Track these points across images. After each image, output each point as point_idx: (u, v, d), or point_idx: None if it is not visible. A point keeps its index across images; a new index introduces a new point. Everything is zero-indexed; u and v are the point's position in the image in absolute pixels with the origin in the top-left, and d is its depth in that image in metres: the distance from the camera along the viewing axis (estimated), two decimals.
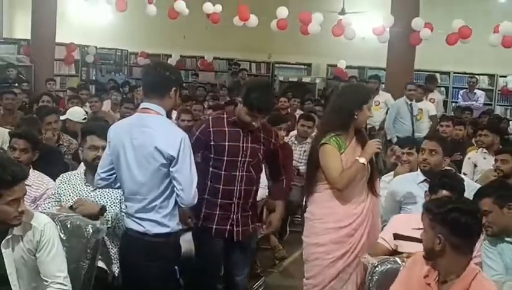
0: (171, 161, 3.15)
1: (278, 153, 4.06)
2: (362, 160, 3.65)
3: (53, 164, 4.73)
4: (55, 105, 7.85)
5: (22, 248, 2.90)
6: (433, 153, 4.34)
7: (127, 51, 14.93)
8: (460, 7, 10.99)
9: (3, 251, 2.87)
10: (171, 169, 3.15)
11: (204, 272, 3.90)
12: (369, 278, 3.05)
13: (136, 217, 3.24)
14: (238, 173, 3.77)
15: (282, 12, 10.49)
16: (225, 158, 3.73)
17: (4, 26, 14.93)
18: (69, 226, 3.21)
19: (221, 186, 3.77)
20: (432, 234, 2.67)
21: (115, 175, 3.33)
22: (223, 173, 3.75)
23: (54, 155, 4.99)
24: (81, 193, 3.74)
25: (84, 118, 6.55)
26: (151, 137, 3.16)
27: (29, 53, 11.68)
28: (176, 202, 3.23)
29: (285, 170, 4.42)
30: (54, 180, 4.05)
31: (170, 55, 14.39)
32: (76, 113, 6.53)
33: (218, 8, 10.77)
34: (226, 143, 3.73)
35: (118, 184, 3.36)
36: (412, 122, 8.88)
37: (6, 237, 2.88)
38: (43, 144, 4.80)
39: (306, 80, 13.76)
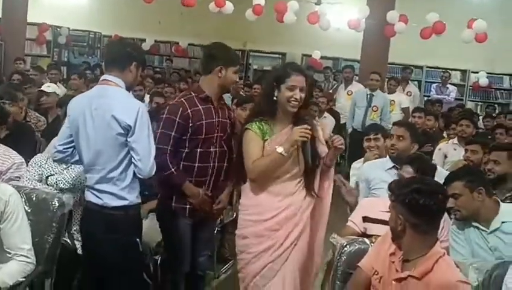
0: (128, 130, 3.17)
1: (234, 128, 3.93)
2: (280, 149, 3.23)
3: (24, 140, 4.66)
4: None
5: None
6: (401, 138, 4.40)
7: (101, 33, 14.73)
8: (436, 1, 11.04)
9: None
10: (128, 139, 3.17)
11: (176, 257, 3.83)
12: (338, 257, 3.06)
13: (95, 189, 3.25)
14: (212, 150, 3.72)
15: (259, 0, 10.43)
16: (202, 136, 3.66)
17: None
18: (34, 199, 3.16)
19: (196, 164, 3.68)
20: (394, 214, 2.73)
21: (72, 149, 3.35)
22: (198, 150, 3.67)
23: (24, 132, 4.91)
24: (56, 169, 3.75)
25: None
26: (109, 106, 3.19)
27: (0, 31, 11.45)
28: (135, 175, 3.22)
29: None
30: (25, 157, 4.01)
31: (144, 40, 14.25)
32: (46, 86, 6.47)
33: None
34: (203, 121, 3.66)
35: (76, 158, 3.37)
36: (365, 112, 8.62)
37: None
38: (14, 121, 4.73)
39: None
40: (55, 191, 3.45)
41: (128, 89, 3.32)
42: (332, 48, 13.20)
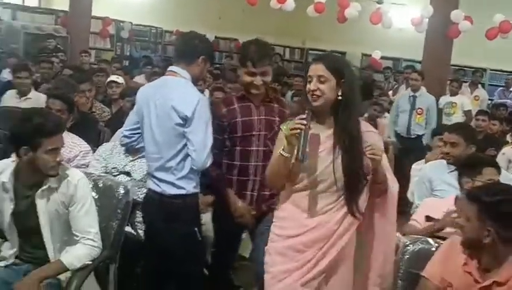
0: (185, 120, 3.19)
1: None
2: (280, 150, 2.73)
3: (88, 130, 4.77)
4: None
5: (56, 200, 2.93)
6: (455, 145, 4.29)
7: (162, 28, 14.94)
8: (501, 1, 10.74)
9: (37, 201, 2.91)
10: (185, 129, 3.19)
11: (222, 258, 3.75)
12: (400, 256, 3.01)
13: (155, 177, 3.30)
14: (253, 148, 3.50)
15: None
16: (239, 134, 3.48)
17: None
18: (100, 185, 3.23)
19: (238, 162, 3.50)
20: (478, 226, 2.50)
21: (137, 135, 3.48)
22: (237, 148, 3.49)
23: (88, 122, 5.05)
24: (120, 163, 3.84)
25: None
26: (169, 96, 3.25)
27: (66, 24, 11.76)
28: None
29: None
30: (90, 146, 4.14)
31: (205, 36, 14.37)
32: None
33: None
34: (239, 119, 3.49)
35: (142, 144, 3.45)
36: (410, 116, 7.95)
37: (42, 188, 2.91)
38: (78, 111, 4.87)
39: None
40: (120, 179, 3.52)
41: (194, 82, 3.35)
42: (392, 48, 13.03)
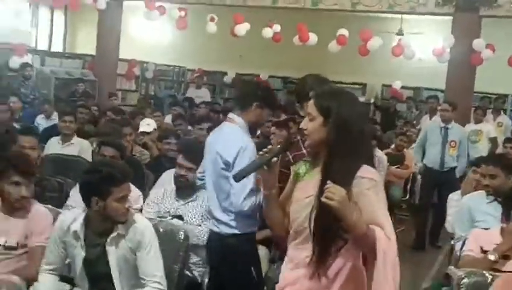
0: (228, 165, 3.35)
1: None
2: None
3: (134, 174, 4.92)
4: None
5: (125, 246, 3.08)
6: (494, 177, 4.38)
7: (185, 67, 15.22)
8: None
9: (108, 248, 3.06)
10: (228, 173, 3.33)
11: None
12: (456, 289, 3.10)
13: (214, 218, 3.47)
14: None
15: (343, 31, 10.58)
16: None
17: (67, 42, 15.49)
18: (161, 230, 3.36)
19: None
20: None
21: None
22: None
23: (133, 166, 5.18)
24: (171, 206, 3.98)
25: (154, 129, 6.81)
26: (216, 141, 3.46)
27: (93, 68, 12.06)
28: None
29: None
30: None
31: (226, 73, 14.65)
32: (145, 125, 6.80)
33: (277, 28, 10.95)
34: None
35: None
36: (443, 148, 7.58)
37: (112, 235, 3.06)
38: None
39: (361, 99, 13.79)
40: (179, 223, 3.66)
41: (252, 128, 3.50)
42: (413, 78, 13.16)
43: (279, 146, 2.52)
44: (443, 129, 7.65)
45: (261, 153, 2.46)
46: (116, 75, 12.20)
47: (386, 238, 2.29)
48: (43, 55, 12.56)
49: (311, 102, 2.46)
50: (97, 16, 11.73)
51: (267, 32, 10.94)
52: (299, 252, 2.44)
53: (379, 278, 2.29)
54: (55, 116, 8.68)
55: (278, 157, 2.47)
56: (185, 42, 14.22)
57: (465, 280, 3.11)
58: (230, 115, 3.51)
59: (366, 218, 2.28)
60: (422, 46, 11.11)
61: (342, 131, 2.37)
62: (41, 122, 8.60)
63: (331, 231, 2.31)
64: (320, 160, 2.45)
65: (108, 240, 3.05)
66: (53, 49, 14.46)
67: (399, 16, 11.80)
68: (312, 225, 2.35)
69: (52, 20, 15.08)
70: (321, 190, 2.26)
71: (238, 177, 2.48)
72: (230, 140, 3.41)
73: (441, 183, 7.51)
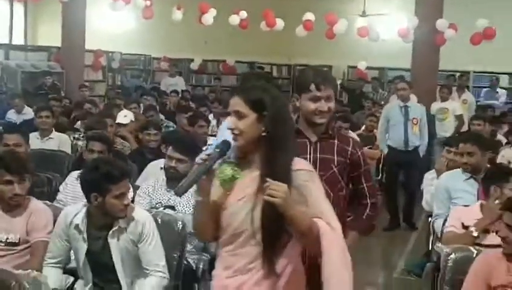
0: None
1: (360, 167, 3.12)
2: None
3: None
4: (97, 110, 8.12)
5: (126, 238, 3.17)
6: (472, 154, 4.54)
7: (150, 56, 15.17)
8: (483, 7, 11.12)
9: (110, 240, 3.15)
10: None
11: None
12: (444, 264, 3.27)
13: None
14: None
15: (308, 16, 10.71)
16: None
17: (29, 35, 15.26)
18: (159, 221, 3.44)
19: None
20: None
21: None
22: None
23: (120, 159, 5.22)
24: (163, 197, 4.04)
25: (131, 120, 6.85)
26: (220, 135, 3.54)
27: (60, 60, 11.94)
28: None
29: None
30: None
31: (192, 60, 14.66)
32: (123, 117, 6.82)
33: (244, 14, 11.02)
34: None
35: None
36: (405, 127, 7.47)
37: (113, 229, 3.15)
38: None
39: None
40: (176, 214, 3.74)
41: None
42: (378, 59, 13.37)
43: (217, 150, 2.33)
44: (403, 108, 7.57)
45: (199, 160, 2.30)
46: (84, 66, 12.10)
47: (330, 230, 2.29)
48: (7, 48, 12.37)
49: (238, 100, 2.35)
50: (58, 6, 11.61)
51: (234, 20, 11.02)
52: (237, 258, 2.35)
53: (330, 270, 2.28)
54: (25, 110, 8.65)
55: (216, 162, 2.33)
56: (150, 30, 14.15)
57: (452, 256, 3.27)
58: None
59: (310, 210, 2.28)
60: (386, 27, 11.30)
61: (279, 124, 2.34)
62: (12, 116, 8.54)
63: (278, 227, 2.27)
64: (248, 159, 2.36)
65: (109, 233, 3.14)
66: (14, 42, 14.23)
67: None
68: (255, 224, 2.28)
69: (12, 13, 14.83)
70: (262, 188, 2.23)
71: (181, 191, 2.29)
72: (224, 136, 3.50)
73: (405, 162, 7.52)
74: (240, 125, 2.33)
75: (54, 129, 6.31)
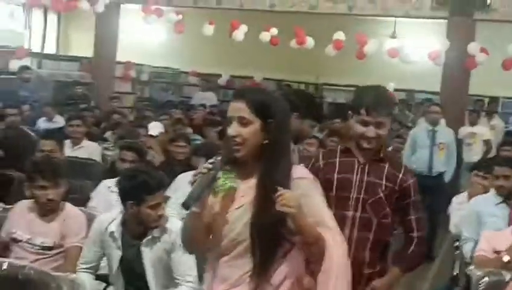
0: None
1: (409, 197, 2.97)
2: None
3: None
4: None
5: (160, 248, 3.19)
6: (508, 177, 4.56)
7: (179, 70, 15.31)
8: None
9: (143, 249, 3.18)
10: None
11: None
12: (475, 288, 3.25)
13: None
14: (349, 213, 2.92)
15: (339, 35, 10.75)
16: (333, 193, 2.92)
17: (61, 44, 15.52)
18: None
19: None
20: None
21: None
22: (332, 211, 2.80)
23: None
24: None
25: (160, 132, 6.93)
26: None
27: (90, 70, 12.12)
28: None
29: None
30: None
31: (220, 75, 14.76)
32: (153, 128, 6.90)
33: (275, 31, 11.09)
34: (335, 175, 2.96)
35: None
36: (431, 151, 7.33)
37: (147, 238, 3.18)
38: None
39: None
40: None
41: (295, 138, 3.38)
42: (405, 81, 13.34)
43: (219, 159, 2.21)
44: (431, 132, 7.43)
45: (203, 170, 2.17)
46: (114, 77, 12.26)
47: (334, 243, 2.22)
48: (39, 57, 12.59)
49: (243, 106, 2.20)
50: (90, 17, 11.80)
51: (265, 36, 11.08)
52: (233, 270, 2.23)
53: (326, 284, 2.21)
54: (56, 118, 8.77)
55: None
56: (179, 44, 14.30)
57: (486, 279, 3.26)
58: None
59: (314, 220, 2.21)
60: (416, 49, 11.29)
61: (282, 133, 2.26)
62: (43, 125, 8.66)
63: (277, 236, 2.18)
64: (245, 167, 2.25)
65: (143, 241, 3.17)
66: (46, 51, 14.47)
67: (393, 19, 11.99)
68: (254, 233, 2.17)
69: (45, 22, 15.10)
70: (263, 197, 2.15)
71: (190, 204, 2.15)
72: None
73: (429, 188, 6.96)
74: (243, 133, 2.19)
75: (85, 138, 6.39)
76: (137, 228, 3.18)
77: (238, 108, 2.20)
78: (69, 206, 3.55)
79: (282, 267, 2.22)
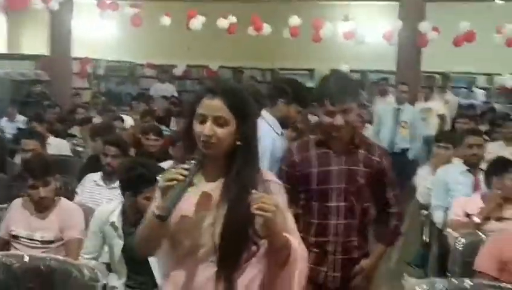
0: None
1: (385, 176, 3.08)
2: (153, 206, 2.09)
3: None
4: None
5: None
6: (480, 146, 4.91)
7: (134, 62, 15.27)
8: (464, 9, 11.39)
9: None
10: None
11: None
12: (454, 248, 3.51)
13: None
14: (333, 204, 2.99)
15: (294, 20, 10.94)
16: (314, 187, 2.99)
17: (11, 44, 15.27)
18: None
19: (316, 221, 3.02)
20: None
21: None
22: (314, 203, 3.02)
23: None
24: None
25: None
26: None
27: (47, 68, 12.00)
28: None
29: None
30: None
31: (176, 66, 14.78)
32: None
33: (233, 19, 11.21)
34: (314, 169, 2.99)
35: None
36: (393, 128, 7.60)
37: None
38: None
39: (310, 85, 14.16)
40: None
41: (283, 125, 3.65)
42: (358, 61, 13.62)
43: (193, 162, 2.04)
44: (396, 110, 7.71)
45: (179, 177, 1.99)
46: (71, 73, 12.18)
47: (299, 248, 2.11)
48: None
49: (221, 104, 2.06)
50: (41, 15, 11.66)
51: (223, 23, 11.16)
52: (198, 273, 2.08)
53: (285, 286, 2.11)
54: (18, 118, 8.73)
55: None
56: (134, 37, 14.24)
57: (463, 240, 3.52)
58: (262, 111, 3.69)
59: (281, 224, 2.06)
60: (370, 31, 11.57)
61: (255, 133, 2.14)
62: (5, 125, 8.61)
63: (245, 239, 2.05)
64: (211, 168, 2.11)
65: None
66: None
67: (346, 2, 12.26)
68: (216, 239, 2.03)
69: None
70: (234, 199, 2.03)
71: (167, 214, 1.98)
72: None
73: (392, 165, 7.60)
74: (219, 133, 2.05)
75: (50, 135, 6.39)
76: (136, 216, 3.27)
77: (215, 107, 2.06)
78: (64, 201, 3.66)
79: (247, 271, 2.10)
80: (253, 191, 2.00)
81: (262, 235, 2.03)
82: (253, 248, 2.08)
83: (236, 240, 2.03)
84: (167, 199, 1.98)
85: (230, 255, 2.04)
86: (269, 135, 3.57)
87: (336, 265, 3.02)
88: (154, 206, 2.05)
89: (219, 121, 2.05)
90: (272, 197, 2.01)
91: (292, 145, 3.21)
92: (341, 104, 2.85)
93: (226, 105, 2.06)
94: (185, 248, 2.08)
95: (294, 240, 2.10)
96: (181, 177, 1.98)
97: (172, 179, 1.98)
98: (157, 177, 2.11)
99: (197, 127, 2.06)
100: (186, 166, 2.02)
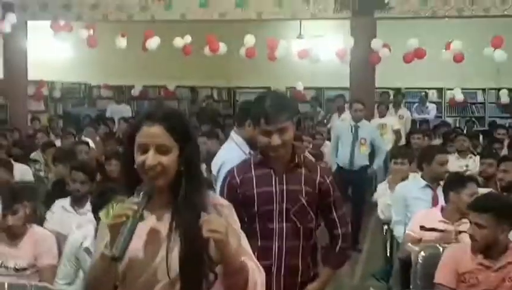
0: (215, 179, 3.67)
1: (330, 196, 3.03)
2: (102, 246, 1.97)
3: None
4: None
5: None
6: (447, 163, 5.17)
7: (90, 84, 15.20)
8: (413, 26, 11.74)
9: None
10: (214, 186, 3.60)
11: None
12: (415, 261, 3.69)
13: None
14: (275, 225, 2.93)
15: (250, 40, 11.10)
16: (255, 209, 2.93)
17: None
18: None
19: (259, 244, 2.90)
20: (494, 228, 3.29)
21: None
22: (256, 226, 2.94)
23: None
24: None
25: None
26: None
27: (2, 92, 11.85)
28: None
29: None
30: None
31: (133, 86, 14.77)
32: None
33: (188, 38, 11.31)
34: (254, 190, 2.94)
35: None
36: (352, 147, 7.69)
37: None
38: None
39: None
40: None
41: (252, 146, 3.53)
42: (313, 79, 13.87)
43: (142, 194, 1.96)
44: (353, 128, 7.77)
45: (128, 212, 1.88)
46: (27, 96, 12.06)
47: (257, 269, 2.04)
48: None
49: (161, 131, 1.98)
50: None
51: (178, 42, 11.24)
52: None
53: None
54: None
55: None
56: (89, 58, 14.20)
57: (422, 253, 3.70)
58: (231, 132, 3.84)
59: (236, 248, 1.96)
60: (323, 49, 11.82)
61: (198, 156, 2.07)
62: None
63: (203, 267, 1.97)
64: (156, 198, 2.00)
65: None
66: None
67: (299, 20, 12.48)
68: (172, 273, 1.95)
69: None
70: (187, 227, 1.95)
71: (121, 254, 1.86)
72: (217, 156, 3.77)
73: (351, 182, 7.63)
74: (163, 161, 1.96)
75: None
76: None
77: (156, 134, 1.97)
78: (35, 228, 3.69)
79: None
80: (203, 213, 1.95)
81: (216, 260, 1.96)
82: (211, 276, 1.99)
83: (195, 267, 1.95)
84: (120, 237, 1.86)
85: (191, 284, 1.95)
86: (237, 155, 3.57)
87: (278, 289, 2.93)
88: (103, 245, 1.92)
89: (162, 149, 1.97)
90: (220, 219, 1.94)
91: (233, 167, 3.12)
92: (276, 123, 2.83)
93: (167, 130, 1.98)
94: (141, 285, 1.98)
95: (251, 263, 2.02)
96: (130, 212, 1.88)
97: (121, 215, 1.88)
98: (100, 214, 1.99)
99: (139, 158, 1.97)
100: (135, 200, 1.93)
